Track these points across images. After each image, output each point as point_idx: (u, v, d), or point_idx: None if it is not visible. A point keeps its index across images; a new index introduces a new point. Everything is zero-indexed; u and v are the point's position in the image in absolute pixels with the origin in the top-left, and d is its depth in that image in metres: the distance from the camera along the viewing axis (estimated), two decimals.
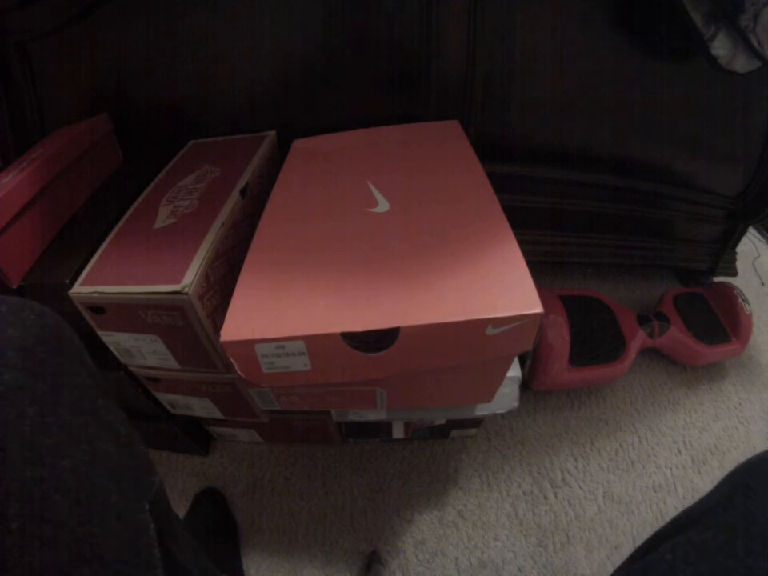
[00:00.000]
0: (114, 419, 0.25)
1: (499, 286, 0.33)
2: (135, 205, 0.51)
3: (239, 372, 0.34)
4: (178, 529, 0.31)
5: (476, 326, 0.31)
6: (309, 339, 0.32)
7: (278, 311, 0.34)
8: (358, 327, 0.31)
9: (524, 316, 0.31)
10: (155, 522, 0.25)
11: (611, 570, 0.59)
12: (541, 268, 0.92)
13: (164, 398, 0.55)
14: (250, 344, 0.32)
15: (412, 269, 0.36)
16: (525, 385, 0.74)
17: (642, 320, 0.77)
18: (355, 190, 0.46)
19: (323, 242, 0.40)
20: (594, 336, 0.73)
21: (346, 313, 0.33)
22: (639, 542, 0.62)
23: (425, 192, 0.44)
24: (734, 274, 0.96)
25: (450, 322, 0.31)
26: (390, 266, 0.36)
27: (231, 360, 0.33)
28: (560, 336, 0.69)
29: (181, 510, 0.64)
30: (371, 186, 0.46)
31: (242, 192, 0.50)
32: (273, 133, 0.62)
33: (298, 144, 0.58)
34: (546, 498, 0.65)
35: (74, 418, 0.22)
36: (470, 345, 0.33)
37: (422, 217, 0.41)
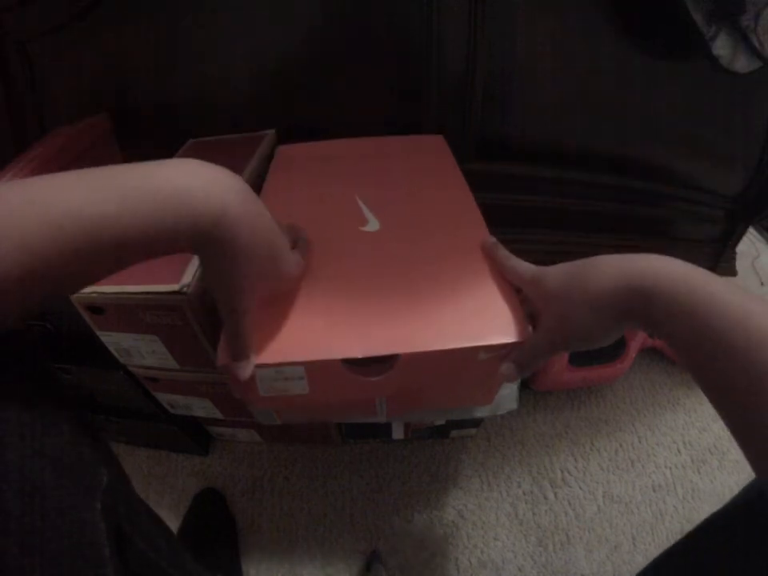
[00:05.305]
0: (62, 416, 0.25)
1: (491, 313, 0.34)
2: None
3: (235, 394, 0.34)
4: (153, 530, 0.31)
5: (468, 353, 0.32)
6: (309, 365, 0.31)
7: (276, 333, 0.33)
8: (359, 354, 0.31)
9: (512, 344, 0.32)
10: (121, 520, 0.26)
11: (611, 569, 0.59)
12: None
13: (163, 398, 0.55)
14: None
15: (408, 292, 0.36)
16: (525, 385, 0.74)
17: None
18: (344, 205, 0.46)
19: (318, 262, 0.39)
20: None
21: (346, 337, 0.32)
22: (639, 541, 0.62)
23: (414, 212, 0.44)
24: (734, 274, 0.96)
25: (446, 349, 0.32)
26: (386, 289, 0.36)
27: (228, 382, 0.33)
28: None
29: (180, 510, 0.64)
30: (359, 201, 0.46)
31: None
32: (273, 132, 0.62)
33: (283, 150, 0.58)
34: (546, 497, 0.65)
35: (21, 415, 0.22)
36: (464, 369, 0.34)
37: (414, 239, 0.41)
